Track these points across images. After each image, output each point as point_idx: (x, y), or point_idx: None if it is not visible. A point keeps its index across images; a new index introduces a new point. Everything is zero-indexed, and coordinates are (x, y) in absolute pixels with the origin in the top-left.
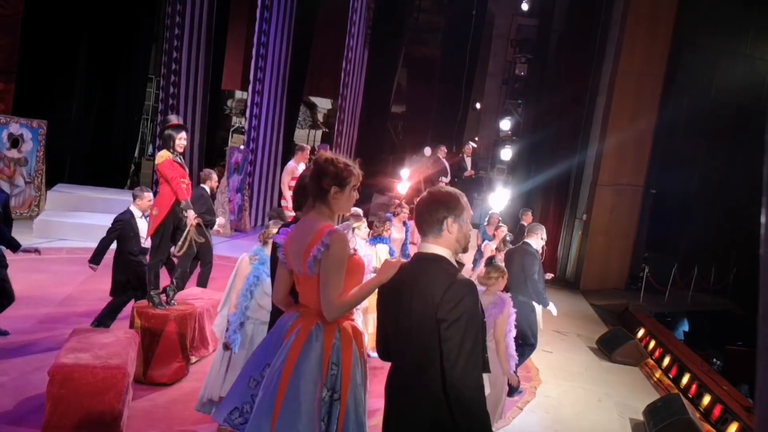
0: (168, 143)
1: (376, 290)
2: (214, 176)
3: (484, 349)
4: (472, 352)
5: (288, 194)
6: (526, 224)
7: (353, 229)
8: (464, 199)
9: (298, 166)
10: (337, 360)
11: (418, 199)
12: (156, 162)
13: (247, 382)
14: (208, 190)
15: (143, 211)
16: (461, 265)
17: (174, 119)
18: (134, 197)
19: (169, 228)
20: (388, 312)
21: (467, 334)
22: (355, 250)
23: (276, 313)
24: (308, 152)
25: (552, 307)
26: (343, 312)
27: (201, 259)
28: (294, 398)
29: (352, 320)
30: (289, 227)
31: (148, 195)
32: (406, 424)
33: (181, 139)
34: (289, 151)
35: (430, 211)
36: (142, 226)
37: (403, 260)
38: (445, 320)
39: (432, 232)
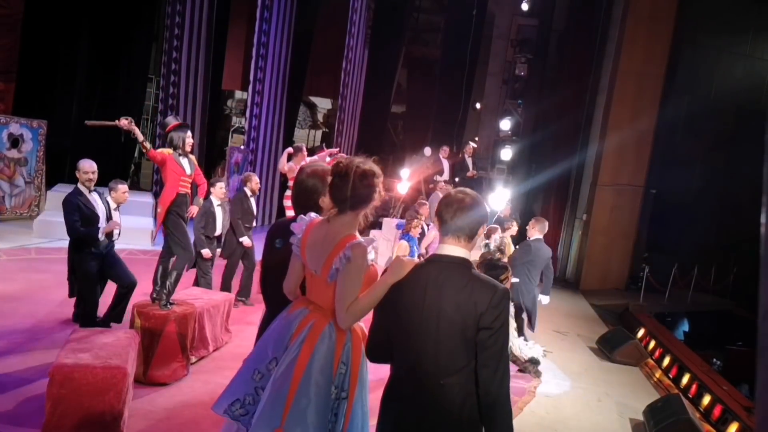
0: (176, 144)
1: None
2: (255, 178)
3: None
4: (507, 359)
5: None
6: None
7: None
8: None
9: (296, 168)
10: (346, 359)
11: (442, 199)
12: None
13: (251, 374)
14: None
15: (118, 203)
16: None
17: (173, 120)
18: (109, 189)
19: (177, 224)
20: (396, 313)
21: (505, 342)
22: (372, 262)
23: (275, 305)
24: (306, 153)
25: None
26: (358, 319)
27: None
28: (305, 392)
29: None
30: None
31: (123, 187)
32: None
33: (189, 138)
34: None
35: (467, 218)
36: (116, 217)
37: (415, 260)
38: (491, 328)
39: (461, 236)
